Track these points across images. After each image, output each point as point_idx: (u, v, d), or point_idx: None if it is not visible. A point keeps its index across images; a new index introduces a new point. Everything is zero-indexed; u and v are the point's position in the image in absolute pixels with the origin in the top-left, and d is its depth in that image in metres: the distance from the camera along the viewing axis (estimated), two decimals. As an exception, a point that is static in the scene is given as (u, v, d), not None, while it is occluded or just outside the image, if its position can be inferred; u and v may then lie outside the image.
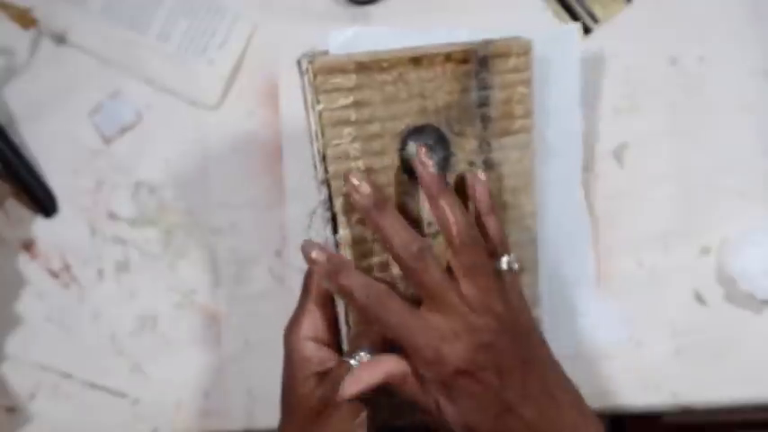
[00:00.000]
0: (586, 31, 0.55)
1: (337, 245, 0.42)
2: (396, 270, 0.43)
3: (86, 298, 0.55)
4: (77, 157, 0.56)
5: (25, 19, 0.54)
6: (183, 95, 0.56)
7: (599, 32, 0.55)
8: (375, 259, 0.43)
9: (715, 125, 0.55)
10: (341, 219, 0.41)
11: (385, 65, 0.41)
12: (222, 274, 0.55)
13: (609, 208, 0.55)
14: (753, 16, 0.55)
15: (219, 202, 0.55)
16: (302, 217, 0.54)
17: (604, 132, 0.55)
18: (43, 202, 0.55)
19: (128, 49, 0.55)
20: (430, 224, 0.44)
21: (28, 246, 0.56)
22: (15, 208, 0.56)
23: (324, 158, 0.41)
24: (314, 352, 0.42)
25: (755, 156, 0.55)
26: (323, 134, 0.40)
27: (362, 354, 0.40)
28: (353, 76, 0.40)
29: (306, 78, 0.40)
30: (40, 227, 0.56)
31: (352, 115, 0.41)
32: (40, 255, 0.56)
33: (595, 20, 0.55)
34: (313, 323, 0.42)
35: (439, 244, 0.42)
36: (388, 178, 0.42)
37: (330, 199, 0.41)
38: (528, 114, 0.46)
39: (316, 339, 0.42)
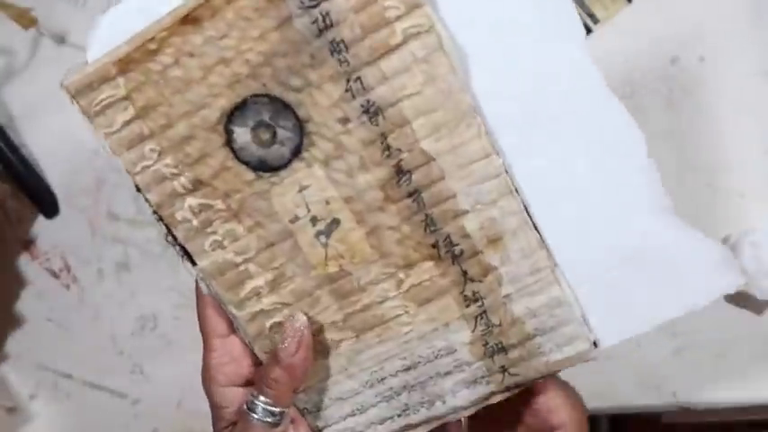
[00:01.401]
0: (586, 31, 0.55)
1: (203, 281, 0.34)
2: (288, 294, 0.34)
3: (86, 298, 0.55)
4: (77, 157, 0.56)
5: (25, 19, 0.54)
6: (183, 95, 0.56)
7: (599, 32, 0.55)
8: (254, 283, 0.34)
9: (715, 125, 0.55)
10: (192, 248, 0.33)
11: (153, 46, 0.30)
12: (222, 274, 0.55)
13: (609, 208, 0.55)
14: (753, 16, 0.55)
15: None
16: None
17: (604, 132, 0.55)
18: (43, 202, 0.55)
19: (128, 49, 0.55)
20: (296, 218, 0.33)
21: (28, 246, 0.55)
22: (15, 208, 0.56)
23: (139, 189, 0.32)
24: (229, 398, 0.35)
25: (755, 156, 0.55)
26: (122, 162, 0.32)
27: (261, 401, 0.33)
28: (120, 81, 0.30)
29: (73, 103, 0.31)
30: (40, 227, 0.55)
31: (144, 128, 0.31)
32: (40, 255, 0.56)
33: (595, 20, 0.55)
34: (222, 362, 0.35)
35: (338, 236, 0.33)
36: (227, 184, 0.32)
37: (170, 231, 0.33)
38: (414, 5, 0.29)
39: (231, 381, 0.35)
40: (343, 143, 0.31)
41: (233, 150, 0.31)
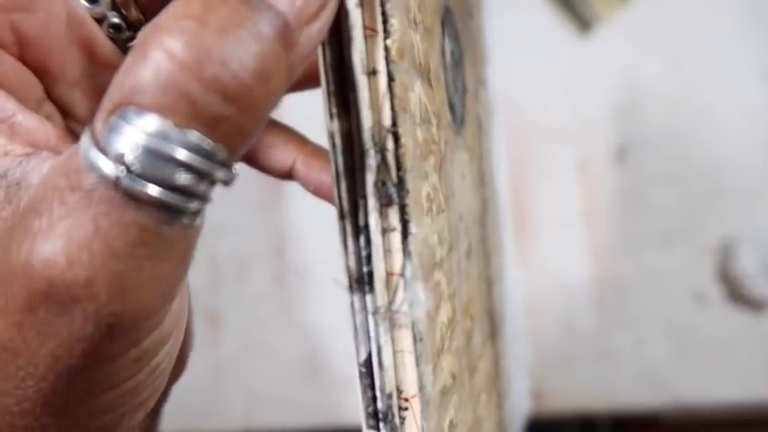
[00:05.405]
0: (586, 29, 0.55)
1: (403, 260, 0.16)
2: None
3: (86, 298, 0.55)
4: (77, 157, 0.56)
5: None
6: (183, 95, 0.55)
7: (599, 32, 0.55)
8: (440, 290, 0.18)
9: (715, 125, 0.55)
10: (412, 182, 0.16)
11: None
12: (222, 274, 0.55)
13: (609, 208, 0.55)
14: (753, 16, 0.55)
15: (219, 202, 0.55)
16: (302, 217, 0.54)
17: (604, 132, 0.55)
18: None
19: (128, 48, 0.55)
20: (460, 217, 0.21)
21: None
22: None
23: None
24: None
25: (755, 156, 0.55)
26: None
27: (174, 134, 0.16)
28: None
29: None
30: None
31: None
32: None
33: (596, 19, 0.55)
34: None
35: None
36: (439, 100, 0.19)
37: (396, 127, 0.16)
38: (485, 59, 0.27)
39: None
40: (474, 145, 0.22)
41: (444, 60, 0.20)
